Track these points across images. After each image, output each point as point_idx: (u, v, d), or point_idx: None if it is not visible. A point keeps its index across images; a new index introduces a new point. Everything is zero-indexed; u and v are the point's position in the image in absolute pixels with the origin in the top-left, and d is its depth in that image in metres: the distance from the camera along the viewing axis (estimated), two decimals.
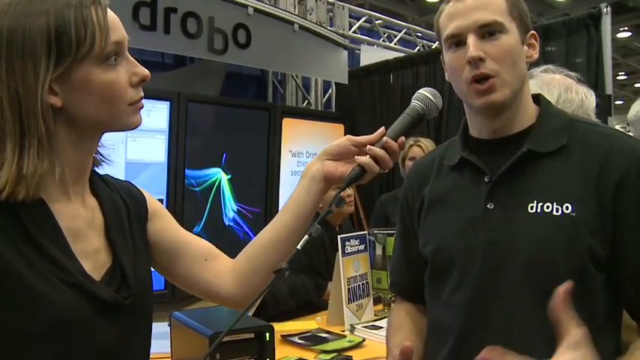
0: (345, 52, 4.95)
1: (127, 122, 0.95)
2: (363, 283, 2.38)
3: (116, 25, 0.92)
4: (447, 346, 1.21)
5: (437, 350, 1.24)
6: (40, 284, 0.85)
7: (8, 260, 0.84)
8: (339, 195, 1.05)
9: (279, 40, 4.33)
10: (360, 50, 5.52)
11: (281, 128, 4.47)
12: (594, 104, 1.64)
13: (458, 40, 1.15)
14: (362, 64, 5.41)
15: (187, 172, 3.84)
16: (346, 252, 2.33)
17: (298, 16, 4.55)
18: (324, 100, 5.44)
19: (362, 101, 5.09)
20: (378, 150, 1.04)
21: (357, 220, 4.94)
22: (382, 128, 1.08)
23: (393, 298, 1.50)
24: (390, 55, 5.29)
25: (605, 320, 1.11)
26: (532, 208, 1.12)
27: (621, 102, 13.82)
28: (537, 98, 1.24)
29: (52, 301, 0.86)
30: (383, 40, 5.79)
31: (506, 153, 1.16)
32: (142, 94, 0.96)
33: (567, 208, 1.10)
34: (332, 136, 4.86)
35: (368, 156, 1.04)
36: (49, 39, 0.85)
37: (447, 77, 1.24)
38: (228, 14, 3.97)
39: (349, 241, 2.37)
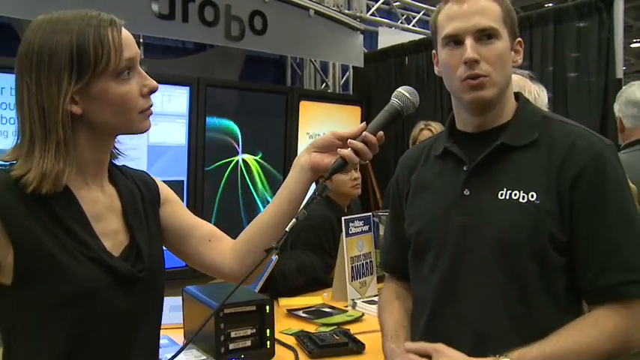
0: (361, 36, 5.02)
1: (137, 127, 1.10)
2: (366, 262, 2.52)
3: (129, 43, 1.06)
4: (424, 316, 1.35)
5: (417, 321, 1.38)
6: (66, 259, 1.01)
7: (39, 239, 1.00)
8: (324, 184, 1.17)
9: (295, 25, 4.43)
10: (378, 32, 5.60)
11: (298, 111, 4.60)
12: (546, 100, 1.83)
13: (456, 40, 1.26)
14: (380, 46, 5.49)
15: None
16: (350, 232, 2.47)
17: (314, 0, 4.62)
18: (342, 82, 5.54)
19: (378, 83, 5.17)
20: (357, 143, 1.16)
21: (373, 201, 5.07)
22: (363, 124, 1.20)
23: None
24: (408, 36, 5.34)
25: (567, 304, 1.23)
26: (502, 195, 1.25)
27: None
28: (517, 96, 1.35)
29: (77, 273, 1.02)
30: (401, 22, 5.84)
31: (485, 145, 1.28)
32: (152, 103, 1.10)
33: (532, 196, 1.22)
34: (349, 118, 4.96)
35: (349, 149, 1.17)
36: (71, 57, 1.00)
37: (436, 71, 1.35)
38: (245, 2, 4.10)
39: (353, 222, 2.50)
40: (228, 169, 4.21)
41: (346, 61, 5.22)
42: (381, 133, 1.19)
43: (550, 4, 4.05)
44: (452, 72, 1.28)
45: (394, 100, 1.22)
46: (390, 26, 5.74)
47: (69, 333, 1.02)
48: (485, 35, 1.24)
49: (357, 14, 5.24)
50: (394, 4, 5.83)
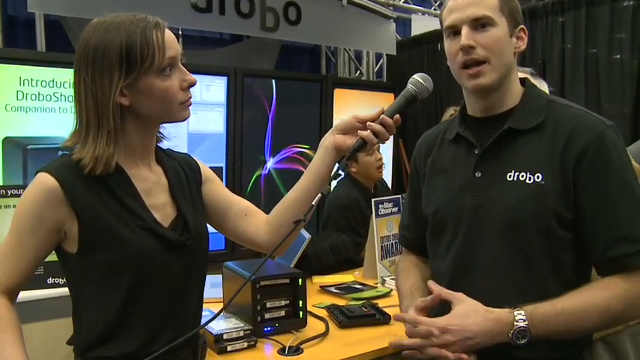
0: (393, 24, 5.08)
1: (178, 117, 1.24)
2: (395, 242, 2.63)
3: (171, 43, 1.20)
4: None
5: None
6: (123, 229, 1.18)
7: (98, 210, 1.17)
8: (344, 161, 1.30)
9: (328, 15, 4.53)
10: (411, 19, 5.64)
11: (333, 99, 4.69)
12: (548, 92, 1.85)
13: (454, 31, 1.37)
14: (413, 32, 5.51)
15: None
16: (379, 214, 2.58)
17: None
18: (376, 69, 5.60)
19: (412, 70, 5.11)
20: (376, 125, 1.28)
21: (406, 182, 5.16)
22: (382, 108, 1.32)
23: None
24: None
25: (574, 276, 1.32)
26: (510, 176, 1.34)
27: None
28: (523, 81, 1.44)
29: (133, 241, 1.18)
30: (434, 9, 5.85)
31: (493, 129, 1.38)
32: (191, 95, 1.24)
33: (538, 177, 1.31)
34: (383, 104, 5.01)
35: (369, 130, 1.29)
36: (121, 56, 1.14)
37: (448, 63, 1.46)
38: None
39: (383, 204, 2.61)
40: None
41: (379, 49, 5.29)
42: (397, 115, 1.30)
43: None
44: (453, 60, 1.38)
45: (409, 86, 1.34)
46: (424, 13, 5.76)
47: (126, 291, 1.18)
48: (480, 24, 1.33)
49: (390, 2, 5.28)
50: None
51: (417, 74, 1.35)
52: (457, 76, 1.40)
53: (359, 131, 1.29)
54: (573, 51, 3.93)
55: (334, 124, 1.37)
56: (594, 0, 3.83)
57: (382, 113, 1.30)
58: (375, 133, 1.28)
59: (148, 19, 1.18)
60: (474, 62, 1.34)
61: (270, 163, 4.36)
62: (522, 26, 1.40)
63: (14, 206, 1.20)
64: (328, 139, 1.34)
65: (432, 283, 1.38)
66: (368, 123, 1.29)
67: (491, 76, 1.34)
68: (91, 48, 1.15)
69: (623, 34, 3.71)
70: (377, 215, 2.56)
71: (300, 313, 1.88)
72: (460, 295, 1.30)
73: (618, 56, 3.74)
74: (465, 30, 1.34)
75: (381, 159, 3.20)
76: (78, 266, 1.19)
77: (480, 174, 1.38)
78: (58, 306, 2.03)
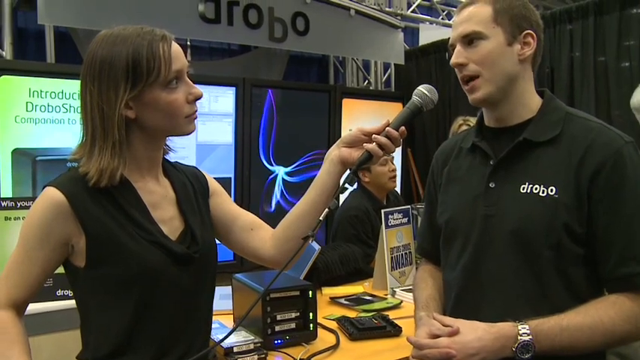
0: (401, 34, 5.08)
1: (183, 130, 1.24)
2: (405, 253, 2.61)
3: (178, 56, 1.19)
4: (450, 300, 1.44)
5: (446, 304, 1.48)
6: (130, 242, 1.17)
7: (105, 224, 1.16)
8: (350, 175, 1.29)
9: (336, 25, 4.54)
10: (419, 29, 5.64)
11: (341, 108, 4.69)
12: None
13: (453, 49, 1.39)
14: (421, 42, 5.52)
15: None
16: (389, 224, 2.56)
17: (355, 0, 4.71)
18: (384, 79, 5.60)
19: (420, 80, 5.20)
20: (381, 138, 1.28)
21: (415, 193, 5.14)
22: (387, 120, 1.31)
23: (418, 261, 1.73)
24: (450, 32, 5.33)
25: (586, 291, 1.29)
26: (523, 188, 1.33)
27: None
28: (542, 93, 1.42)
29: (140, 255, 1.17)
30: (442, 18, 5.86)
31: (509, 140, 1.37)
32: (196, 108, 1.24)
33: (552, 190, 1.29)
34: (391, 114, 5.01)
35: (374, 143, 1.28)
36: (127, 69, 1.14)
37: None
38: (287, 4, 4.23)
39: (392, 214, 2.60)
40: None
41: (387, 59, 5.29)
42: (403, 128, 1.30)
43: None
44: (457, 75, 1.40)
45: (415, 98, 1.34)
46: (431, 22, 5.76)
47: (135, 305, 1.17)
48: (468, 40, 1.34)
49: (398, 12, 5.29)
50: (435, 0, 5.85)
51: (422, 86, 1.35)
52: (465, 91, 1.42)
53: (364, 144, 1.29)
54: (582, 59, 3.91)
55: (342, 135, 1.36)
56: (602, 8, 3.82)
57: (387, 125, 1.30)
58: (380, 146, 1.28)
59: (155, 32, 1.18)
60: (468, 78, 1.36)
61: (281, 174, 4.36)
62: (529, 31, 1.36)
63: (24, 218, 1.20)
64: (334, 153, 1.34)
65: (436, 315, 1.37)
66: (373, 136, 1.29)
67: (487, 89, 1.35)
68: (98, 60, 1.16)
69: (631, 42, 3.69)
70: (387, 226, 2.55)
71: (311, 325, 1.86)
72: (459, 320, 1.30)
73: (627, 64, 3.72)
74: (457, 48, 1.37)
75: (394, 170, 3.21)
76: (86, 280, 1.19)
77: (493, 184, 1.37)
78: (67, 318, 2.02)
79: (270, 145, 4.30)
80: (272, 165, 4.32)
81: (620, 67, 3.74)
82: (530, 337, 1.20)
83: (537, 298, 1.29)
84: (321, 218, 1.26)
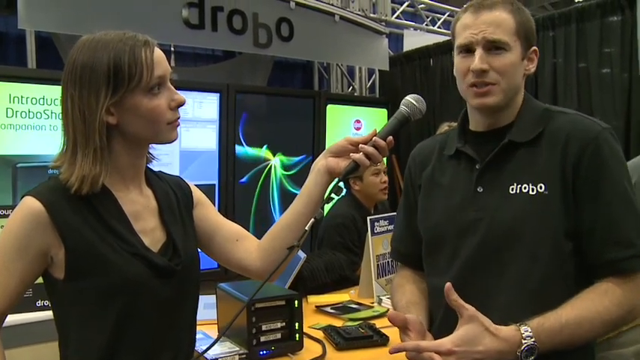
0: (386, 40, 5.09)
1: (165, 137, 1.21)
2: (392, 260, 2.60)
3: (160, 62, 1.17)
4: (442, 307, 1.42)
5: (436, 312, 1.46)
6: (110, 254, 1.14)
7: (85, 236, 1.13)
8: (337, 184, 1.28)
9: (321, 31, 4.53)
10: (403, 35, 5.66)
11: (325, 114, 4.68)
12: None
13: (467, 49, 1.35)
14: (406, 48, 5.53)
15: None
16: (375, 232, 2.55)
17: (339, 5, 4.72)
18: (369, 85, 5.61)
19: (404, 86, 5.21)
20: (368, 148, 1.26)
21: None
22: (374, 130, 1.30)
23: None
24: (434, 38, 5.36)
25: (581, 284, 1.28)
26: (512, 189, 1.33)
27: None
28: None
29: (121, 267, 1.14)
30: (426, 24, 5.88)
31: (494, 143, 1.37)
32: (179, 115, 1.21)
33: (541, 187, 1.30)
34: (376, 120, 5.03)
35: (361, 153, 1.26)
36: (108, 74, 1.12)
37: (454, 72, 1.43)
38: (272, 9, 4.22)
39: (378, 221, 2.58)
40: (262, 177, 4.34)
41: (372, 64, 5.29)
42: (390, 137, 1.29)
43: (573, 6, 4.02)
44: (462, 77, 1.37)
45: (402, 108, 1.32)
46: (416, 29, 5.79)
47: (115, 319, 1.14)
48: (494, 47, 1.31)
49: (383, 18, 5.30)
50: (419, 6, 5.87)
51: (410, 95, 1.33)
52: (463, 92, 1.39)
53: (351, 154, 1.27)
54: (564, 65, 3.95)
55: (327, 144, 1.35)
56: (584, 15, 3.87)
57: (375, 135, 1.28)
58: (367, 156, 1.26)
59: (138, 38, 1.16)
60: (483, 85, 1.33)
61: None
62: (535, 48, 1.38)
63: (2, 227, 1.17)
64: (320, 162, 1.32)
65: (449, 289, 1.26)
66: (360, 145, 1.27)
67: (499, 97, 1.33)
68: (79, 65, 1.13)
69: (612, 49, 3.73)
70: (373, 233, 2.53)
71: (297, 335, 1.84)
72: (472, 312, 1.23)
73: (608, 70, 3.76)
74: (479, 52, 1.32)
75: (386, 181, 3.18)
76: (65, 293, 1.15)
77: (481, 189, 1.36)
78: (47, 329, 1.98)
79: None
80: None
81: (602, 73, 3.79)
82: (534, 340, 1.20)
83: (536, 298, 1.28)
84: (307, 228, 1.25)
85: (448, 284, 1.27)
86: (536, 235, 1.29)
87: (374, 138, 1.27)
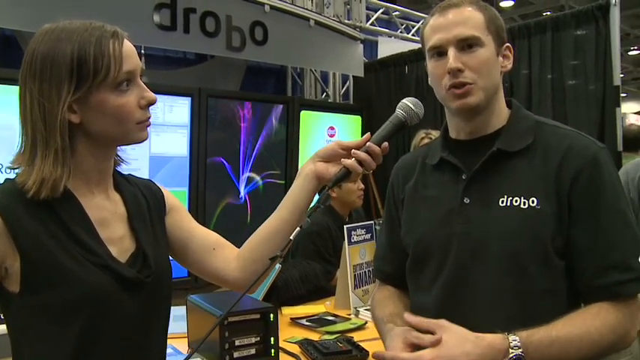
0: (361, 46, 5.04)
1: (134, 138, 1.11)
2: (369, 270, 2.54)
3: (130, 55, 1.07)
4: None
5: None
6: (72, 265, 1.03)
7: (45, 245, 1.02)
8: (327, 193, 1.19)
9: (296, 35, 4.46)
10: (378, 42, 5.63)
11: (299, 121, 4.60)
12: None
13: (439, 51, 1.29)
14: (380, 55, 5.50)
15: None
16: (352, 241, 2.48)
17: (314, 11, 4.66)
18: (342, 92, 5.56)
19: (379, 93, 5.18)
20: (361, 153, 1.18)
21: (375, 210, 5.08)
22: (368, 134, 1.22)
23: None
24: (408, 46, 5.35)
25: (572, 305, 1.25)
26: (502, 202, 1.26)
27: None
28: (510, 102, 1.38)
29: (83, 279, 1.03)
30: (400, 32, 5.87)
31: (481, 152, 1.30)
32: (149, 115, 1.11)
33: (533, 201, 1.24)
34: (350, 127, 4.99)
35: (353, 159, 1.18)
36: (71, 67, 1.01)
37: (429, 82, 1.37)
38: (246, 12, 4.12)
39: (355, 230, 2.52)
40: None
41: (346, 70, 5.24)
42: (385, 144, 1.21)
43: (548, 13, 4.04)
44: (438, 82, 1.30)
45: (398, 112, 1.24)
46: (390, 36, 5.77)
47: (77, 338, 1.03)
48: (467, 44, 1.26)
49: (357, 24, 5.27)
50: (393, 13, 5.86)
51: (407, 99, 1.26)
52: (442, 97, 1.32)
53: (342, 159, 1.19)
54: (539, 75, 3.96)
55: (316, 151, 1.26)
56: (559, 25, 3.87)
57: (368, 140, 1.20)
58: (360, 162, 1.18)
59: (105, 28, 1.06)
60: (462, 84, 1.27)
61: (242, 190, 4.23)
62: (508, 44, 1.33)
63: None
64: (308, 167, 1.24)
65: (408, 316, 1.25)
66: (353, 151, 1.19)
67: (479, 96, 1.27)
68: (39, 57, 1.03)
69: (587, 59, 3.75)
70: (349, 242, 2.47)
71: (272, 350, 1.76)
72: (443, 322, 1.19)
73: (582, 81, 3.77)
74: (452, 51, 1.26)
75: (362, 188, 3.16)
76: (20, 308, 1.04)
77: (468, 200, 1.30)
78: (3, 345, 1.85)
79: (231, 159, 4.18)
80: (231, 180, 4.17)
81: (576, 84, 3.79)
82: (521, 350, 1.14)
83: (526, 316, 1.22)
84: (291, 237, 1.16)
85: (406, 315, 1.25)
86: (526, 250, 1.23)
87: (367, 143, 1.20)
